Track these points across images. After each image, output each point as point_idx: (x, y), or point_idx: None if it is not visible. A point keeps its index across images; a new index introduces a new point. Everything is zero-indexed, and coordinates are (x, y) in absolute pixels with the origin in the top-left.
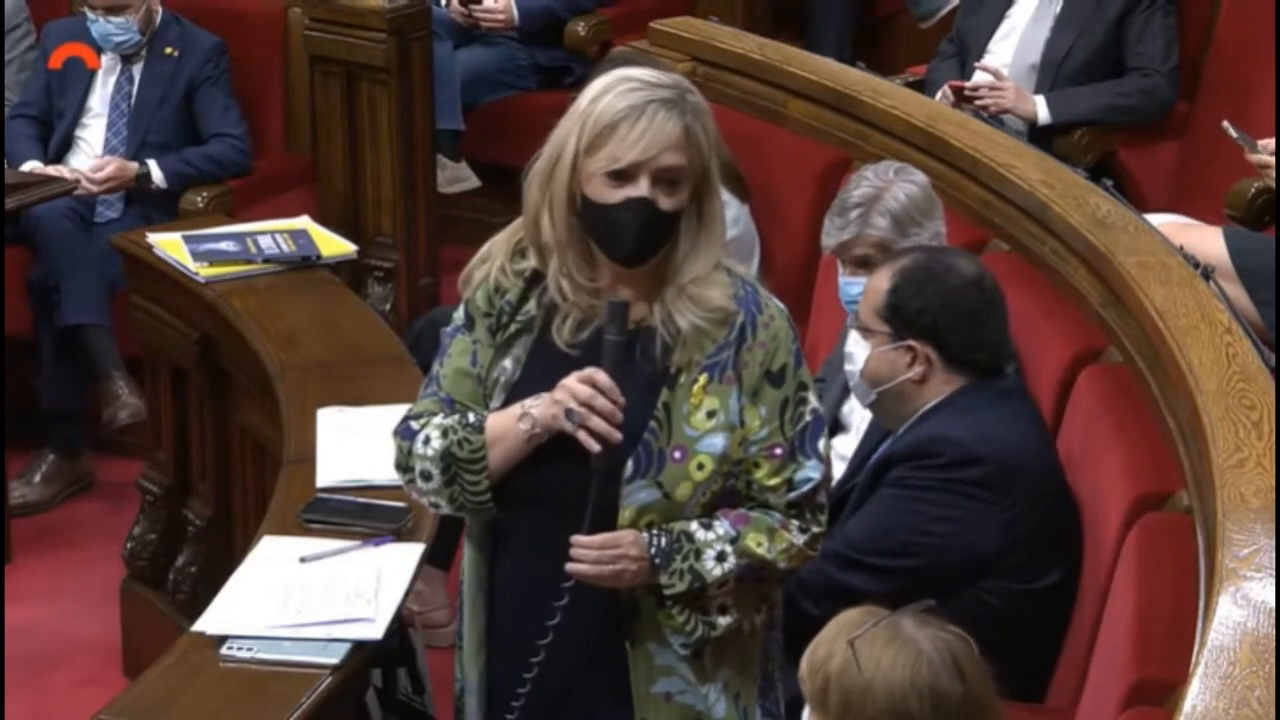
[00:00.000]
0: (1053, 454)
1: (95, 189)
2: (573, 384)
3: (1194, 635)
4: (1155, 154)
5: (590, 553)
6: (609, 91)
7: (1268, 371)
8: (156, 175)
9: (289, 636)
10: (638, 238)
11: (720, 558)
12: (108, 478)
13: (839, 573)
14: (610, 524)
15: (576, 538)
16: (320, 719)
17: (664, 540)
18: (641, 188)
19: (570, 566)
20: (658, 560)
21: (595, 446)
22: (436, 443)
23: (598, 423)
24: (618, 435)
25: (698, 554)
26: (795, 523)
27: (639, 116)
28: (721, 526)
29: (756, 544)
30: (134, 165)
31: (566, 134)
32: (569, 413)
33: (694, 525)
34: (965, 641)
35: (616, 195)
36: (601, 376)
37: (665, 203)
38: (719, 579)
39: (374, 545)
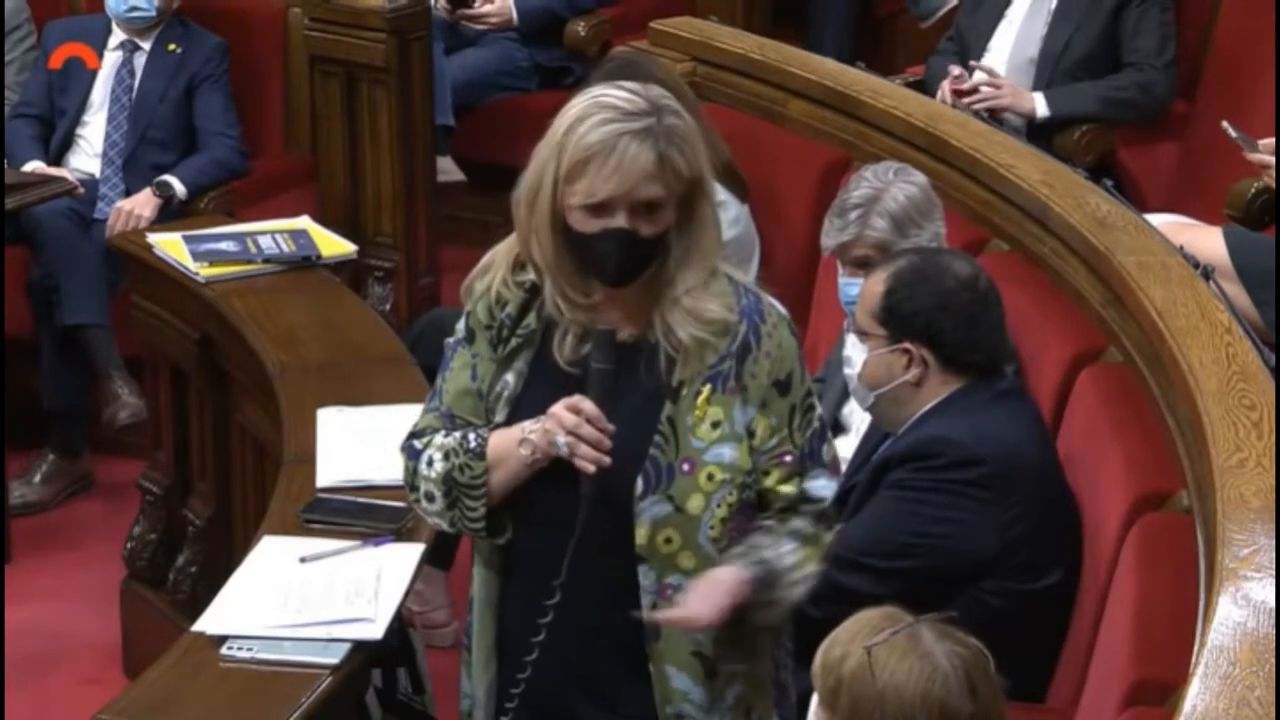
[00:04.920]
0: (1052, 454)
1: (130, 225)
2: (560, 412)
3: (1194, 635)
4: (1155, 154)
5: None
6: (583, 122)
7: (1268, 371)
8: (180, 190)
9: (289, 636)
10: (619, 264)
11: (800, 583)
12: (108, 478)
13: (839, 574)
14: (627, 543)
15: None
16: (320, 719)
17: (760, 571)
18: (619, 219)
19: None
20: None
21: (590, 468)
22: (439, 465)
23: (585, 450)
24: (606, 460)
25: (790, 584)
26: (822, 527)
27: (610, 152)
28: (793, 553)
29: (814, 561)
30: (150, 195)
31: (545, 162)
32: (557, 441)
33: (771, 554)
34: (983, 657)
35: (595, 226)
36: (587, 404)
37: (646, 229)
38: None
39: (374, 545)
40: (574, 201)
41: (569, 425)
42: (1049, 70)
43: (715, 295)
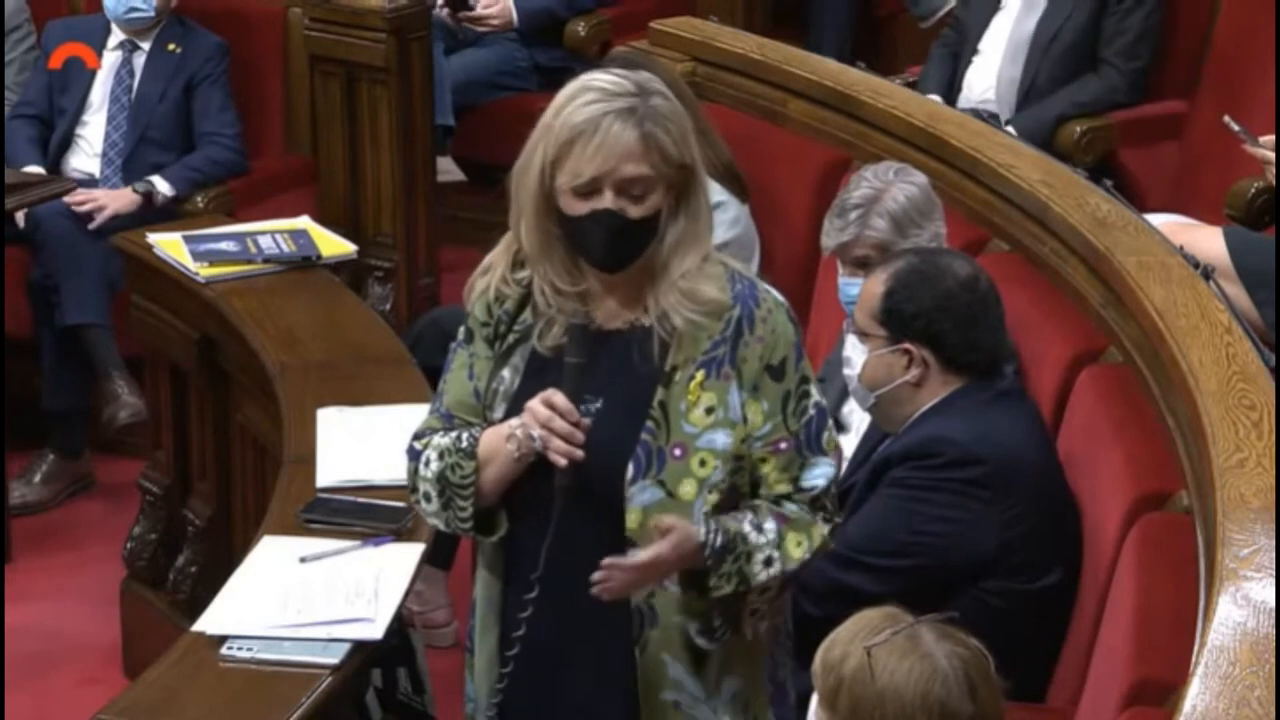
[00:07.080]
0: (1052, 454)
1: (100, 219)
2: (534, 405)
3: (1194, 635)
4: (1155, 154)
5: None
6: (569, 104)
7: (1268, 371)
8: (164, 187)
9: (289, 636)
10: (609, 247)
11: (767, 563)
12: (108, 478)
13: (838, 572)
14: (619, 528)
15: (614, 561)
16: (320, 719)
17: (720, 540)
18: (606, 200)
19: (598, 588)
20: (709, 561)
21: (562, 462)
22: (434, 465)
23: (557, 444)
24: (578, 454)
25: (748, 556)
26: (820, 515)
27: (594, 131)
28: (771, 530)
29: (796, 544)
30: (128, 192)
31: (535, 147)
32: (531, 435)
33: (747, 526)
34: (983, 658)
35: (583, 208)
36: (558, 398)
37: (634, 210)
38: (762, 585)
39: (374, 545)
40: (562, 183)
41: (541, 419)
42: (1037, 59)
43: (709, 278)
